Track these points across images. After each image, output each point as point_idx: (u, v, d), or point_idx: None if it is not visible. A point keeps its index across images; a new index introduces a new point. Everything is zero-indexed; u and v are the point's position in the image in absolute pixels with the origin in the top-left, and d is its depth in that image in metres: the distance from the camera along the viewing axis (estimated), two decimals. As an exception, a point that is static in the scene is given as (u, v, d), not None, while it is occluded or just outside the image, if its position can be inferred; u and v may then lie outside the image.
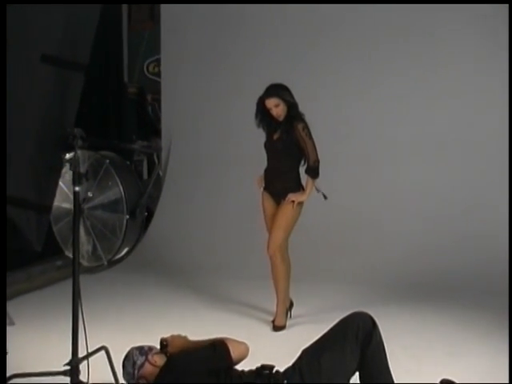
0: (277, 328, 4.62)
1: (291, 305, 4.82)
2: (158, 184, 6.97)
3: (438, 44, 6.07)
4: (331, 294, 5.34)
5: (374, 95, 6.23)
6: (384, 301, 5.10)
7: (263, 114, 4.58)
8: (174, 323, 4.72)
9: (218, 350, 3.09)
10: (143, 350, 3.21)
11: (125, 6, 7.89)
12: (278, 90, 4.51)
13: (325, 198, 4.58)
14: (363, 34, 6.23)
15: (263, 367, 3.14)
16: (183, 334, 3.30)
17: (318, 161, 4.50)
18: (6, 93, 4.21)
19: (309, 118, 4.58)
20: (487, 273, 5.50)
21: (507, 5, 5.36)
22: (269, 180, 4.68)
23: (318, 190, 4.60)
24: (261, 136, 4.70)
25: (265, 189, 4.70)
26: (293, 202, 4.52)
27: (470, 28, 5.97)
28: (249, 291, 5.34)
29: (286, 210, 4.54)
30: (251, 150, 5.37)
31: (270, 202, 4.67)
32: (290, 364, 3.19)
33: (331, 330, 3.22)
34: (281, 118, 4.53)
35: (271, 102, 4.50)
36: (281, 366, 3.19)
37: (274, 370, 3.14)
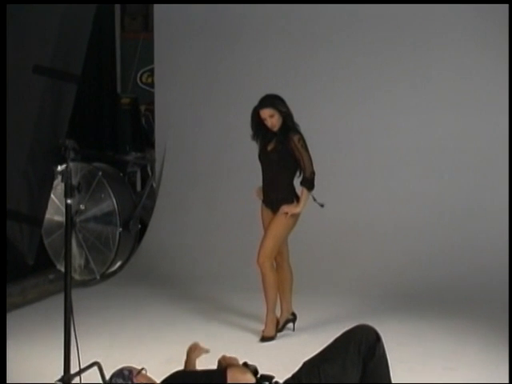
0: (265, 339, 4.63)
1: (294, 318, 4.84)
2: (152, 196, 6.96)
3: (435, 53, 6.09)
4: (329, 305, 5.34)
5: (370, 105, 6.25)
6: (381, 313, 5.08)
7: (258, 125, 4.60)
8: (168, 338, 4.71)
9: (215, 379, 3.07)
10: (125, 375, 3.14)
11: (118, 15, 7.90)
12: (272, 101, 4.55)
13: (321, 206, 4.60)
14: (360, 43, 6.25)
15: (263, 377, 3.14)
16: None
17: (313, 173, 4.53)
18: (6, 95, 4.24)
19: (304, 128, 4.60)
20: (486, 283, 5.50)
21: (507, 5, 5.45)
22: (265, 191, 4.72)
23: (314, 199, 4.62)
24: (254, 147, 4.71)
25: (263, 200, 4.73)
26: (286, 213, 4.54)
27: (469, 35, 6.01)
28: (245, 302, 5.33)
29: (279, 220, 4.58)
30: (247, 160, 5.39)
31: (267, 213, 4.72)
32: (290, 375, 3.19)
33: (333, 342, 3.23)
34: (275, 129, 4.56)
35: (266, 113, 4.53)
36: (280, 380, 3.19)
37: (273, 381, 3.14)
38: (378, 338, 3.16)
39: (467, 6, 5.87)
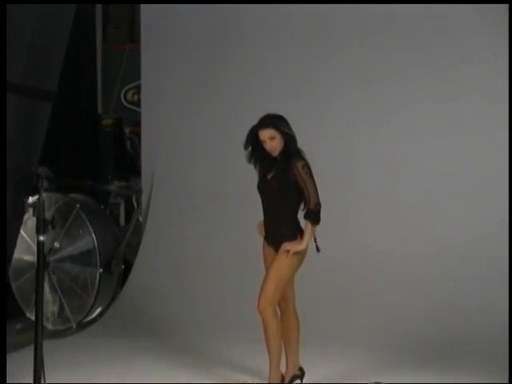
0: None
1: (302, 373, 4.81)
2: (138, 231, 6.98)
3: (441, 79, 6.27)
4: (340, 359, 5.35)
5: (379, 132, 6.37)
6: (395, 367, 5.10)
7: (256, 148, 4.61)
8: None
9: None
10: None
11: (99, 24, 7.99)
12: (274, 121, 4.55)
13: (317, 250, 4.60)
14: (367, 67, 6.40)
15: None
16: None
17: (319, 204, 4.53)
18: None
19: (309, 154, 4.62)
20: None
21: (507, 5, 5.85)
22: (266, 226, 4.72)
23: (314, 240, 4.61)
24: (256, 175, 4.73)
25: (264, 237, 4.74)
26: (288, 251, 4.54)
27: (472, 58, 6.22)
28: (245, 356, 5.32)
29: (281, 260, 4.56)
30: (246, 190, 5.39)
31: (269, 251, 4.71)
32: None
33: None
34: (275, 153, 4.56)
35: (266, 134, 4.53)
36: None
37: None
38: None
39: (467, 6, 6.09)
